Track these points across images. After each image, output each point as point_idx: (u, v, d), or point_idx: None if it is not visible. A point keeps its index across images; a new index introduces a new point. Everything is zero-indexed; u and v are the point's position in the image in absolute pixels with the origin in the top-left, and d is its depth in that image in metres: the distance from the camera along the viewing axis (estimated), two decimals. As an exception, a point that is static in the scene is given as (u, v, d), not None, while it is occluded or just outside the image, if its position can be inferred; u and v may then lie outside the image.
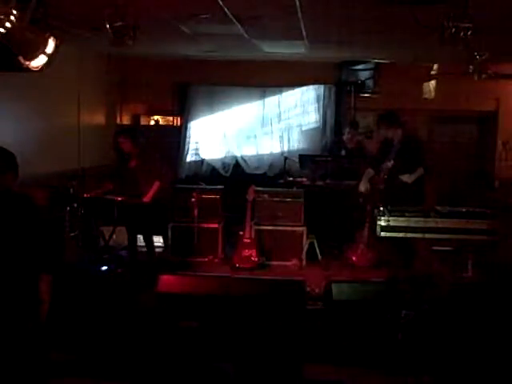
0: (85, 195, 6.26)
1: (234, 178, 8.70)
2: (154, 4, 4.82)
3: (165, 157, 7.96)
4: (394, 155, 6.06)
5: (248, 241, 6.91)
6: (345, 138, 7.88)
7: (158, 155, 6.60)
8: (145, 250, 6.50)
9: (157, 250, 6.75)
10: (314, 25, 5.58)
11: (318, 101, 8.83)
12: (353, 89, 8.55)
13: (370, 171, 6.39)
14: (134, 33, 4.28)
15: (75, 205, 6.21)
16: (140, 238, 6.51)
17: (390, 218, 5.44)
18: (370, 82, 8.45)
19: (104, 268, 6.24)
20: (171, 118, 9.54)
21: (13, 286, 3.01)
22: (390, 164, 6.03)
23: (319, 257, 6.96)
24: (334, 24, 5.52)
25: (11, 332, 2.98)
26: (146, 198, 6.23)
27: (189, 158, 9.03)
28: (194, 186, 7.30)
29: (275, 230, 7.18)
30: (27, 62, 3.93)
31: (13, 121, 6.08)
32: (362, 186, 6.43)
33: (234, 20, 5.36)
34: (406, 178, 6.01)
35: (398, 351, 4.42)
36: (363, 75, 8.44)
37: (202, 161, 9.01)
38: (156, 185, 6.30)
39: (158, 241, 7.01)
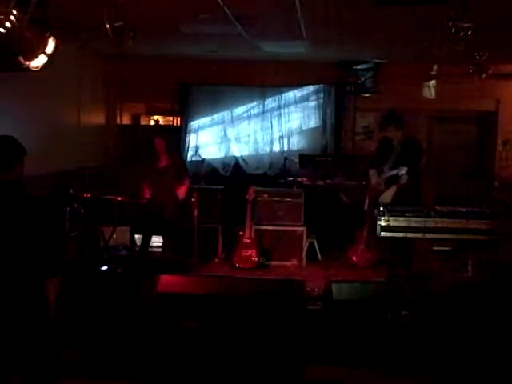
0: (85, 195, 6.26)
1: (234, 177, 8.69)
2: (154, 4, 4.82)
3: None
4: (395, 157, 6.03)
5: (248, 241, 6.90)
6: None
7: (181, 155, 6.72)
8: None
9: (157, 250, 6.76)
10: (314, 25, 5.58)
11: (317, 101, 8.82)
12: (353, 89, 8.54)
13: (374, 172, 6.33)
14: (134, 33, 4.27)
15: (75, 205, 6.21)
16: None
17: (390, 218, 5.44)
18: (369, 82, 8.44)
19: (104, 268, 6.24)
20: (171, 118, 9.54)
21: (22, 287, 2.95)
22: (402, 172, 5.89)
23: (319, 257, 6.96)
24: (334, 24, 5.51)
25: (20, 333, 2.94)
26: (181, 195, 6.51)
27: (189, 158, 9.02)
28: (194, 186, 7.29)
29: (275, 230, 7.19)
30: (27, 62, 3.93)
31: (12, 121, 6.06)
32: (374, 182, 6.28)
33: (234, 20, 5.36)
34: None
35: (398, 351, 4.43)
36: (363, 75, 8.43)
37: (202, 161, 9.00)
38: (187, 182, 6.61)
39: (159, 241, 7.00)
